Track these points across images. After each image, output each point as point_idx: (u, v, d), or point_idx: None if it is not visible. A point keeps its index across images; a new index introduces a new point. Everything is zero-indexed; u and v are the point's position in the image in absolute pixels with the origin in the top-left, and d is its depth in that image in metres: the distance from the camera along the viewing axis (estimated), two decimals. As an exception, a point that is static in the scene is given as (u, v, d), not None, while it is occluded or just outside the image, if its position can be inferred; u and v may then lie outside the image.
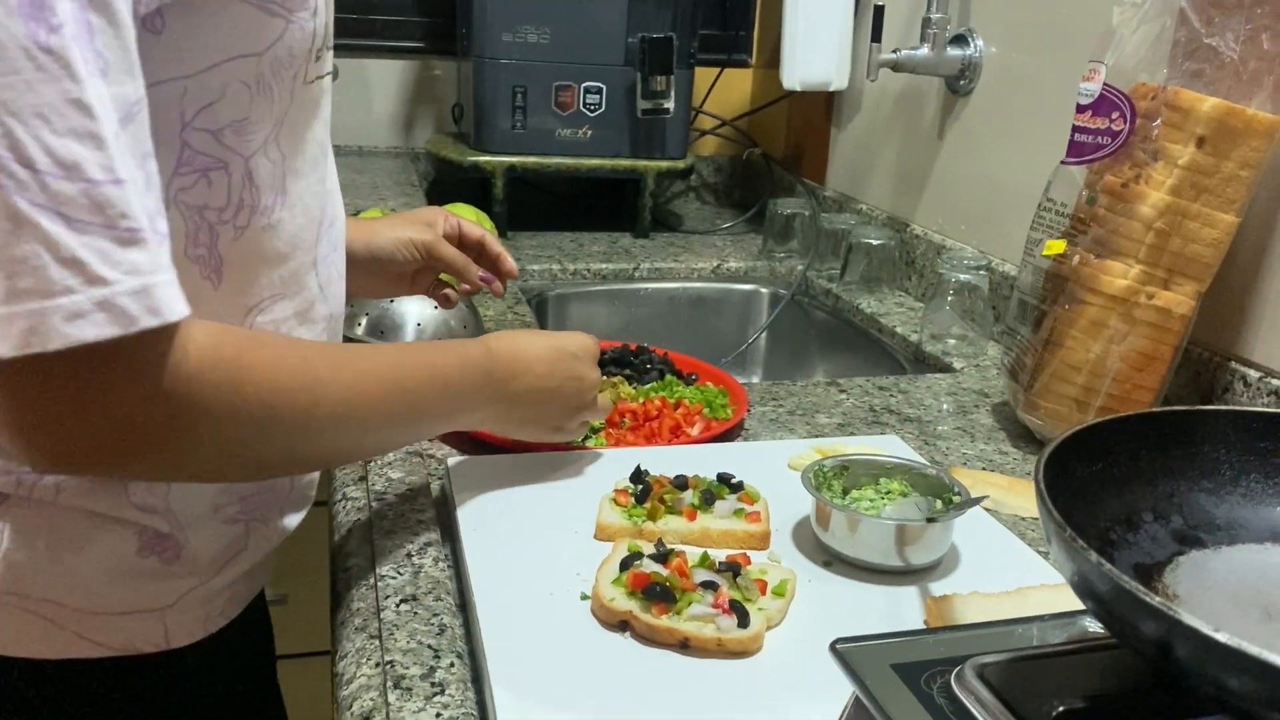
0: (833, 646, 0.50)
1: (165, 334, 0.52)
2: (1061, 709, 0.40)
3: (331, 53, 0.68)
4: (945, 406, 1.10)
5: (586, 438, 0.95)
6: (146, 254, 0.50)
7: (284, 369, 0.60)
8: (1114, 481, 0.50)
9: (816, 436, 0.99)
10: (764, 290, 1.63)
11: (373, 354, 0.69)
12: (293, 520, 0.78)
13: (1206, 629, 0.35)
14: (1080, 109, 0.98)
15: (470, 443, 0.94)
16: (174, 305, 0.51)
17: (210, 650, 0.72)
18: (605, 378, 0.93)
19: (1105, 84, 0.96)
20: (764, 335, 1.60)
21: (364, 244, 0.93)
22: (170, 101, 0.58)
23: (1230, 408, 0.55)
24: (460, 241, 1.00)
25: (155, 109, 0.56)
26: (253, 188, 0.63)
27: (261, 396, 0.58)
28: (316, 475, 0.81)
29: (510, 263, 1.00)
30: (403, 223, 0.96)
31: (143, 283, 0.50)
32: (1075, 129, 0.99)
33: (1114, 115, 0.95)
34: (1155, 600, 0.36)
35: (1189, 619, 0.35)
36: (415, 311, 1.13)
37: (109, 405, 0.52)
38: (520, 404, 0.78)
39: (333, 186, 0.74)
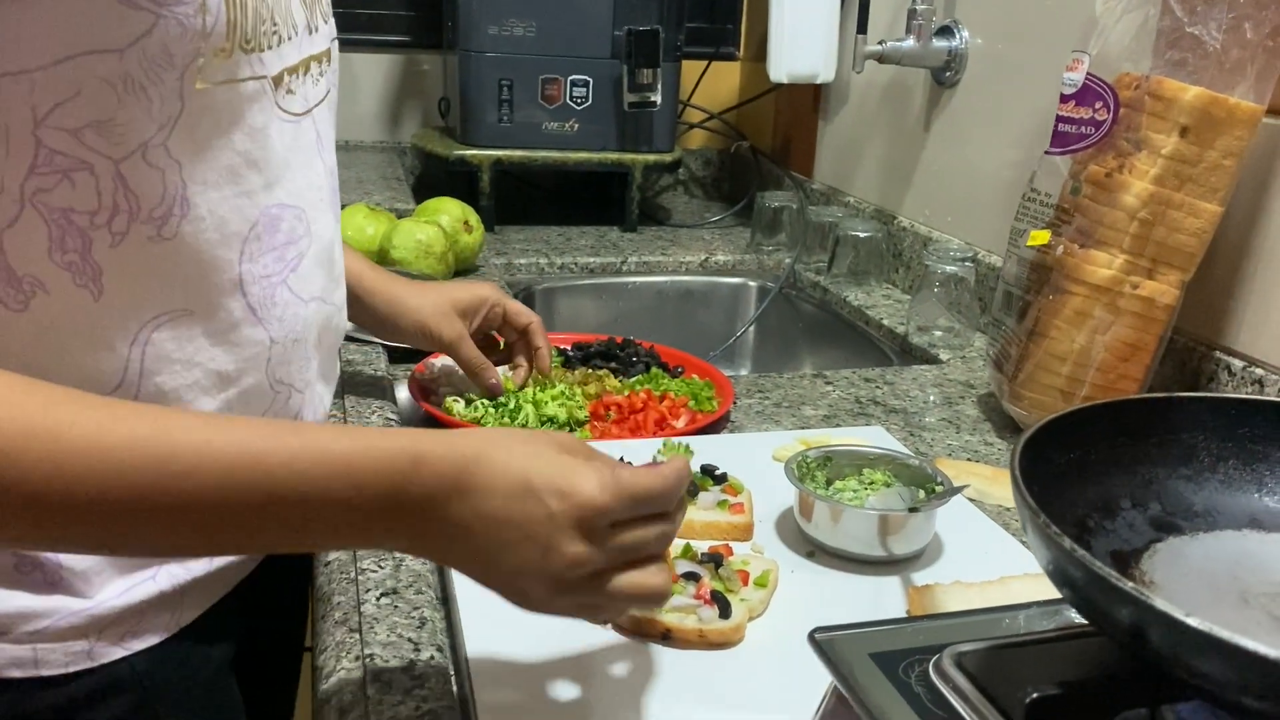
0: (811, 636, 0.50)
1: None
2: (1035, 695, 0.40)
3: (273, 55, 0.62)
4: (931, 398, 1.10)
5: (571, 429, 0.95)
6: None
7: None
8: (1092, 469, 0.50)
9: (802, 428, 0.99)
10: (752, 283, 1.63)
11: (179, 427, 0.51)
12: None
13: (1179, 614, 0.35)
14: (1064, 99, 0.98)
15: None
16: None
17: (102, 683, 0.65)
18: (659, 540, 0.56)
19: (1089, 74, 0.96)
20: (752, 328, 1.60)
21: (390, 316, 0.93)
22: (17, 97, 0.54)
23: (1208, 394, 0.55)
24: (504, 321, 1.01)
25: (1, 104, 0.53)
26: (128, 193, 0.58)
27: None
28: None
29: (546, 360, 1.02)
30: (435, 308, 0.96)
31: None
32: (1059, 119, 0.99)
33: (1097, 105, 0.95)
34: (1128, 586, 0.36)
35: (1162, 604, 0.35)
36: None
37: None
38: (454, 541, 0.54)
39: (301, 203, 0.68)
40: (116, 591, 0.65)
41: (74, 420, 0.49)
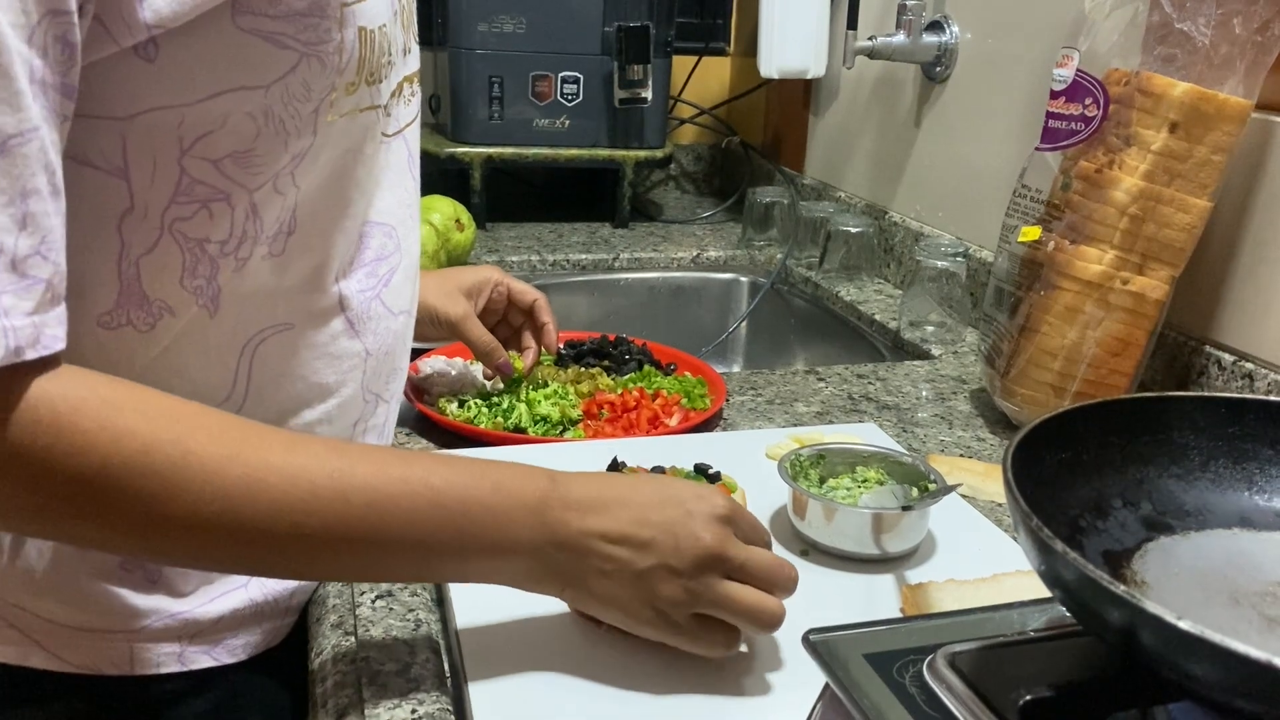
0: (805, 637, 0.50)
1: (14, 376, 0.48)
2: (1028, 697, 0.40)
3: (386, 85, 0.64)
4: (923, 393, 1.10)
5: (565, 428, 0.95)
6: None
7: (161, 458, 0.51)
8: (1083, 469, 0.50)
9: (795, 425, 0.99)
10: (743, 279, 1.63)
11: (353, 452, 0.56)
12: None
13: (1169, 616, 0.35)
14: (1054, 95, 0.98)
15: (447, 436, 0.94)
16: (33, 348, 0.48)
17: (191, 689, 0.68)
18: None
19: (1078, 70, 0.96)
20: (744, 324, 1.60)
21: None
22: (167, 129, 0.56)
23: (1198, 394, 0.56)
24: (509, 301, 1.01)
25: (152, 134, 0.56)
26: (257, 220, 0.61)
27: (108, 472, 0.50)
28: None
29: (552, 336, 1.02)
30: (440, 289, 0.95)
31: None
32: (1049, 115, 0.99)
33: (1087, 101, 0.95)
34: (1119, 588, 0.36)
35: (1152, 607, 0.35)
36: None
37: None
38: (588, 557, 0.57)
39: (393, 220, 0.70)
40: (211, 596, 0.68)
41: (272, 448, 0.53)
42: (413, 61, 0.71)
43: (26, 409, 0.49)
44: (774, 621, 0.59)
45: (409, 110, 0.71)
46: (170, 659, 0.67)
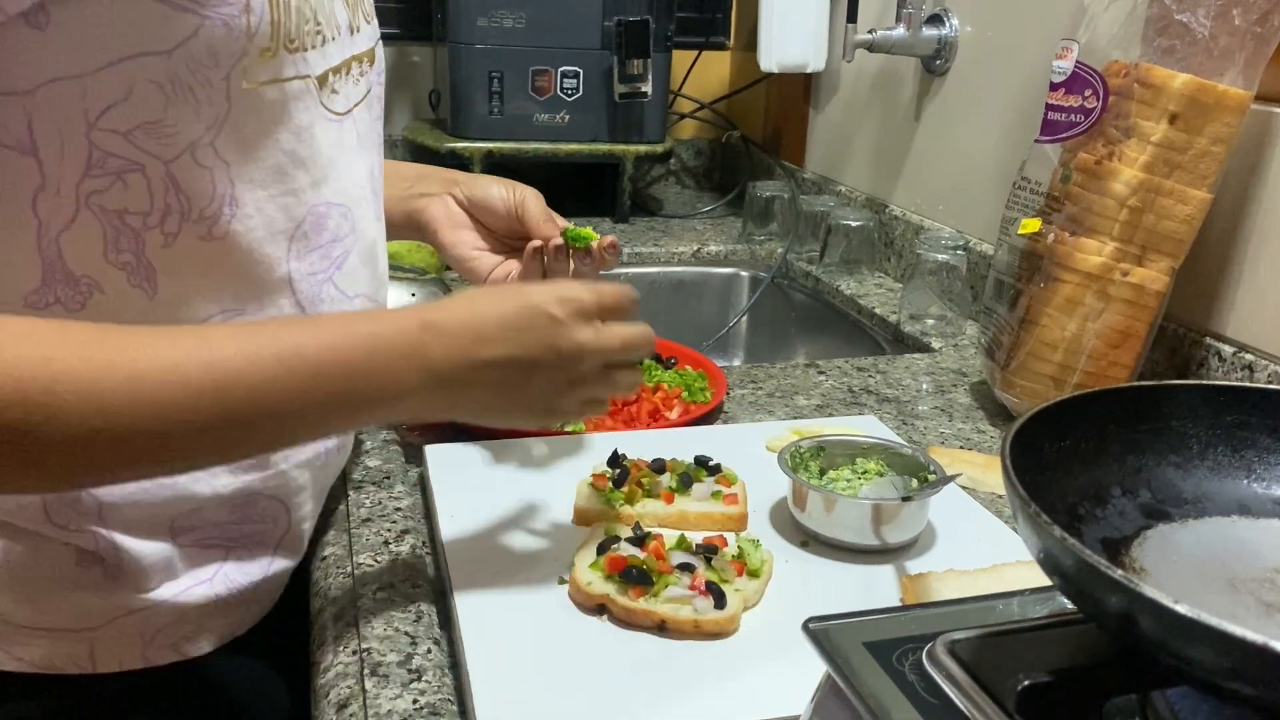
0: (805, 625, 0.50)
1: None
2: (1027, 682, 0.40)
3: (315, 56, 0.63)
4: (924, 386, 1.10)
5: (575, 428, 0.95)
6: None
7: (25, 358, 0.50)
8: (1082, 457, 0.50)
9: (795, 418, 0.99)
10: (744, 273, 1.63)
11: (222, 339, 0.56)
12: (282, 563, 0.74)
13: (1167, 601, 0.35)
14: (1053, 87, 0.98)
15: (449, 429, 0.94)
16: None
17: (155, 685, 0.68)
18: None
19: (1078, 62, 0.96)
20: (745, 318, 1.60)
21: (468, 196, 0.86)
22: (70, 100, 0.55)
23: (1197, 382, 0.56)
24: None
25: (55, 108, 0.55)
26: (179, 193, 0.59)
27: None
28: (310, 523, 0.75)
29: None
30: (491, 179, 0.88)
31: None
32: (1048, 107, 0.99)
33: (1087, 93, 0.95)
34: (1117, 574, 0.36)
35: (1150, 591, 0.35)
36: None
37: None
38: (476, 386, 0.61)
39: (346, 201, 0.69)
40: (173, 593, 0.67)
41: (140, 350, 0.53)
42: (362, 41, 0.70)
43: None
44: (636, 387, 0.70)
45: (357, 90, 0.70)
46: (133, 656, 0.66)
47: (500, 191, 0.85)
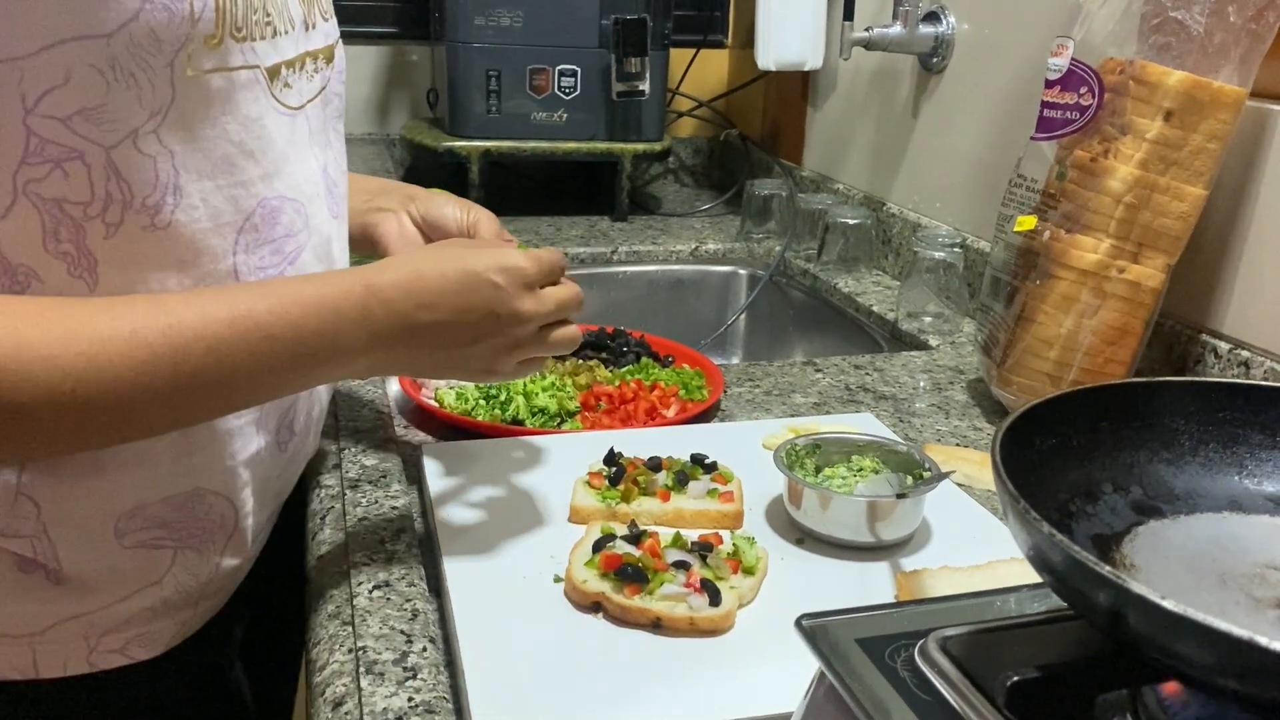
0: (798, 622, 0.50)
1: None
2: (1016, 679, 0.40)
3: (263, 46, 0.63)
4: (921, 384, 1.10)
5: (562, 420, 0.95)
6: None
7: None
8: (1073, 454, 0.51)
9: (792, 416, 1.00)
10: (742, 272, 1.64)
11: (177, 304, 0.58)
12: (230, 562, 0.72)
13: (1154, 597, 0.35)
14: (1049, 84, 0.99)
15: (445, 428, 0.94)
16: None
17: (102, 689, 0.66)
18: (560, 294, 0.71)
19: (1073, 59, 0.96)
20: (743, 317, 1.60)
21: (435, 216, 0.86)
22: (6, 84, 0.54)
23: (1188, 379, 0.56)
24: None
25: None
26: (120, 182, 0.58)
27: None
28: (257, 522, 0.73)
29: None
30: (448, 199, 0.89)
31: None
32: (1044, 104, 0.99)
33: (1082, 90, 0.95)
34: (1105, 570, 0.37)
35: (1137, 587, 0.35)
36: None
37: None
38: (419, 348, 0.65)
39: (299, 196, 0.68)
40: (119, 596, 0.65)
41: (98, 319, 0.55)
42: (318, 38, 0.70)
43: None
44: (574, 344, 0.72)
45: (311, 86, 0.69)
46: (78, 660, 0.65)
47: (455, 212, 0.86)
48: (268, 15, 0.63)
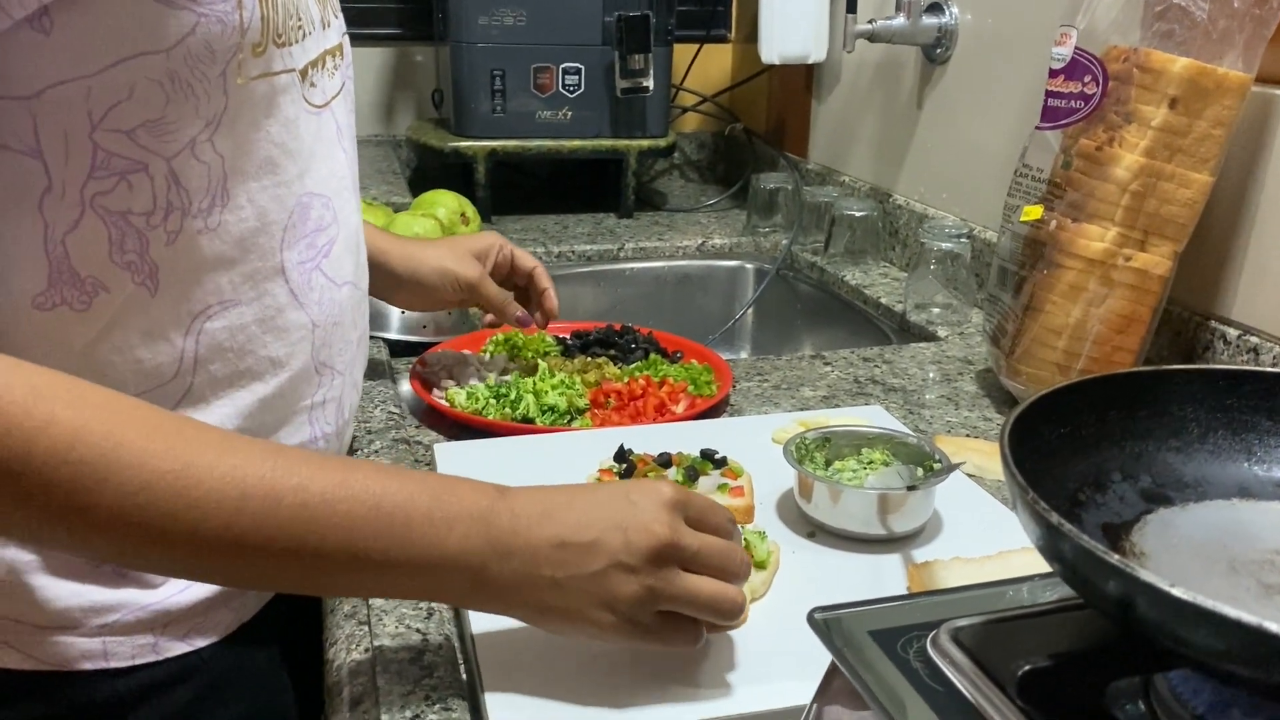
0: (810, 615, 0.51)
1: None
2: (1027, 668, 0.41)
3: (298, 50, 0.65)
4: (930, 375, 1.10)
5: (572, 418, 0.96)
6: None
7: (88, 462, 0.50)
8: (1082, 443, 0.51)
9: (801, 410, 1.00)
10: (749, 266, 1.64)
11: (291, 460, 0.54)
12: None
13: (1164, 585, 0.35)
14: (1053, 73, 0.98)
15: (456, 427, 0.95)
16: None
17: (167, 678, 0.68)
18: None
19: (1077, 48, 0.96)
20: (751, 311, 1.60)
21: (409, 270, 0.93)
22: (75, 103, 0.56)
23: (1196, 366, 0.56)
24: (511, 268, 1.03)
25: (60, 111, 0.56)
26: (180, 190, 0.61)
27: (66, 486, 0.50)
28: None
29: (553, 301, 1.03)
30: (453, 253, 0.97)
31: None
32: (1048, 94, 0.99)
33: (1086, 79, 0.95)
34: (1114, 559, 0.37)
35: (1146, 575, 0.36)
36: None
37: None
38: (533, 566, 0.56)
39: (327, 191, 0.71)
40: (181, 586, 0.68)
41: (206, 445, 0.53)
42: (333, 36, 0.72)
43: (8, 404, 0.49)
44: (735, 610, 0.57)
45: (333, 83, 0.72)
46: (145, 650, 0.67)
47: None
48: (299, 19, 0.65)
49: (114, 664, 0.67)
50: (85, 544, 0.53)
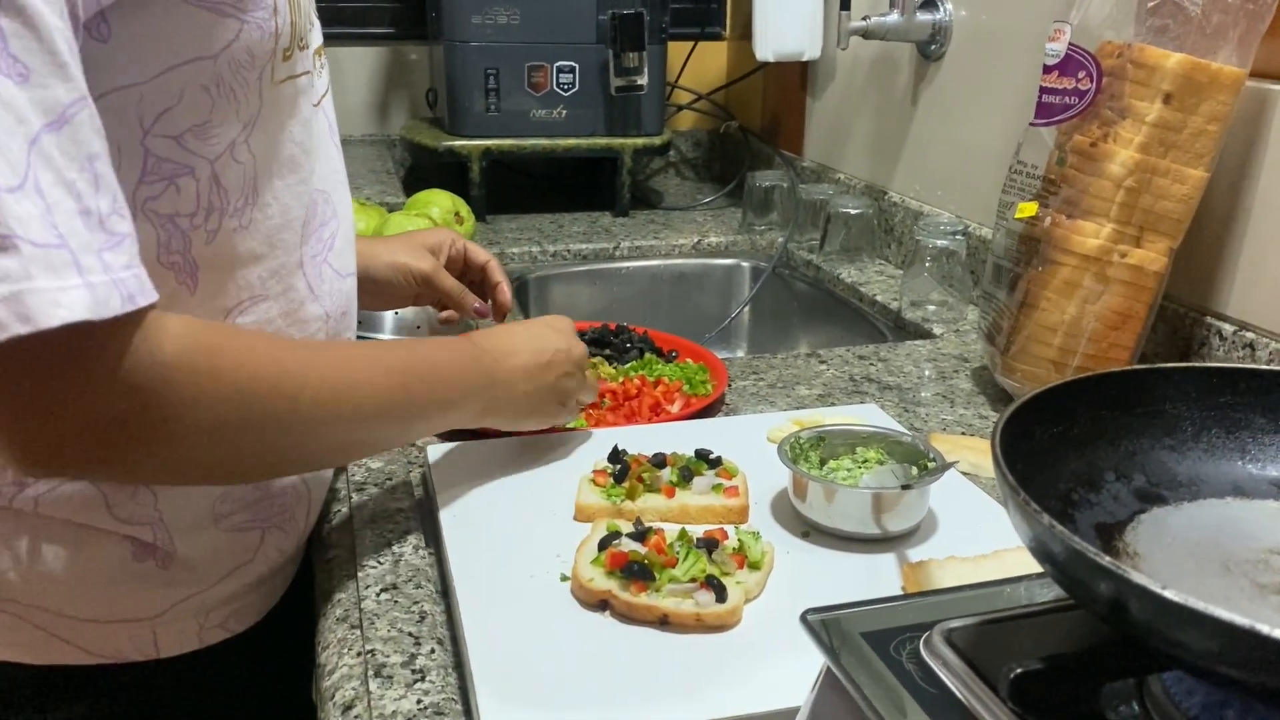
0: (803, 617, 0.50)
1: (133, 322, 0.52)
2: (1020, 670, 0.40)
3: (309, 52, 0.68)
4: (925, 373, 1.10)
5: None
6: (116, 251, 0.50)
7: (262, 356, 0.59)
8: (1076, 442, 0.50)
9: (797, 408, 1.00)
10: (745, 264, 1.63)
11: (356, 344, 0.70)
12: (305, 535, 0.79)
13: (1155, 586, 0.35)
14: (1047, 69, 0.98)
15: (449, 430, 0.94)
16: (143, 293, 0.51)
17: (210, 663, 0.72)
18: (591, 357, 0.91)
19: (1071, 44, 0.96)
20: (747, 309, 1.60)
21: (362, 267, 0.93)
22: (127, 109, 0.57)
23: (1189, 364, 0.56)
24: (465, 263, 1.02)
25: (113, 117, 0.56)
26: (220, 190, 0.63)
27: (240, 384, 0.57)
28: (328, 477, 0.81)
29: (506, 295, 1.03)
30: (405, 248, 0.97)
31: (105, 279, 0.49)
32: (1042, 90, 0.99)
33: (1080, 75, 0.95)
34: (1105, 560, 0.37)
35: (1137, 577, 0.35)
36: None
37: (81, 399, 0.51)
38: (514, 384, 0.77)
39: (326, 186, 0.73)
40: (219, 576, 0.72)
41: (316, 347, 0.68)
42: (318, 35, 0.74)
43: (184, 340, 0.54)
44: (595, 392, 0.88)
45: (323, 81, 0.74)
46: (190, 638, 0.71)
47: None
48: (311, 21, 0.68)
49: (165, 653, 0.70)
50: (298, 447, 0.64)
